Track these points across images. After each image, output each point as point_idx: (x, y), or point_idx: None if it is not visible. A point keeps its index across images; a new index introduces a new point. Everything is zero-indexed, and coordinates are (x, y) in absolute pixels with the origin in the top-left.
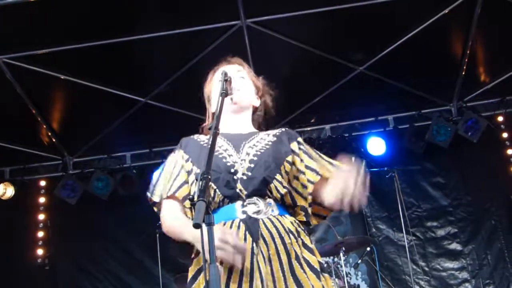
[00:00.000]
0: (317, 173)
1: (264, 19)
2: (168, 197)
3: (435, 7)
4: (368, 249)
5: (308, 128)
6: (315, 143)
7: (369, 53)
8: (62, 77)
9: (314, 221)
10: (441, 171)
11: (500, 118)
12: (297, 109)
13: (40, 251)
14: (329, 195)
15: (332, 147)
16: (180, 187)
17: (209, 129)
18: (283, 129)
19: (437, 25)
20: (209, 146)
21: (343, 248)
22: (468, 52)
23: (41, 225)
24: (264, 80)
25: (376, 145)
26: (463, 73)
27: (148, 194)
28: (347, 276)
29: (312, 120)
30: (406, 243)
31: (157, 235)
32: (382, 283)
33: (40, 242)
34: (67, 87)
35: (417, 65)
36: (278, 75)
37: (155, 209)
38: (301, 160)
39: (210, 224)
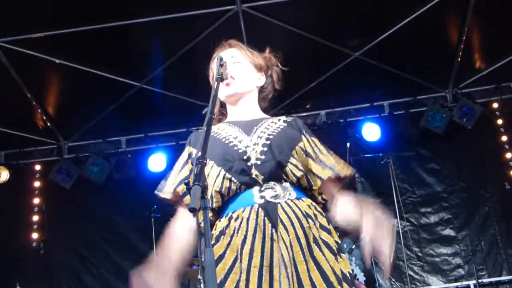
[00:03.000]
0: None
1: (259, 4)
2: (174, 194)
3: None
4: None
5: (303, 114)
6: (310, 129)
7: (365, 39)
8: (57, 61)
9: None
10: (436, 157)
11: (495, 105)
12: (293, 94)
13: (35, 235)
14: (342, 216)
15: (327, 133)
16: (180, 182)
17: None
18: (293, 117)
19: (433, 11)
20: (205, 132)
21: (338, 234)
22: (464, 38)
23: (36, 209)
24: (269, 52)
25: (371, 131)
26: (459, 59)
27: (156, 191)
28: None
29: (307, 106)
30: (400, 229)
31: (152, 219)
32: (376, 268)
33: (35, 226)
34: (62, 71)
35: (412, 51)
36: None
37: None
38: (314, 152)
39: (205, 209)
